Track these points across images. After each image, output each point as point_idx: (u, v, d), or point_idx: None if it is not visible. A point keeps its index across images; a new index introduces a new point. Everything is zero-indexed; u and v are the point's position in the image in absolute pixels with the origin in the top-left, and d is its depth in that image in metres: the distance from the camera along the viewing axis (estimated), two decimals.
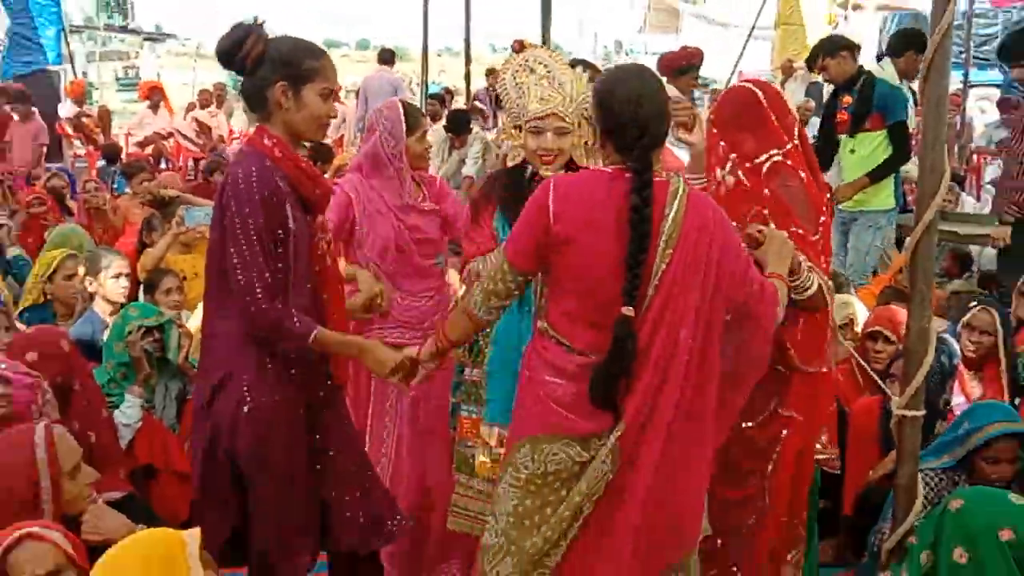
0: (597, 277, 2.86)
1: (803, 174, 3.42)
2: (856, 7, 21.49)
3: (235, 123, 15.83)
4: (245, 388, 3.14)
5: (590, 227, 2.86)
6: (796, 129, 3.52)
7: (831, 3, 20.36)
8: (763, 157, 3.46)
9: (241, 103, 16.05)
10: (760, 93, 3.56)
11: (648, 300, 2.83)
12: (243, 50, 3.11)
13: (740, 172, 3.50)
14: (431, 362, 3.24)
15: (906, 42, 7.41)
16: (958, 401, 4.76)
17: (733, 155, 3.54)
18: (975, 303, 5.23)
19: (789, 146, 3.44)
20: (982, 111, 15.78)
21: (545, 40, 7.42)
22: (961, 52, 14.11)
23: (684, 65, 7.16)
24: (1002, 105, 14.33)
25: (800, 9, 18.02)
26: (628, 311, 2.79)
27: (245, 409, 3.13)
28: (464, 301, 3.12)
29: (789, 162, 3.43)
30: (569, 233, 2.85)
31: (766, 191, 3.32)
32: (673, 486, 2.90)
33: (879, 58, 11.25)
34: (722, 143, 3.61)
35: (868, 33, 19.89)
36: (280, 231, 3.10)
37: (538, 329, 3.07)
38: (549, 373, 2.96)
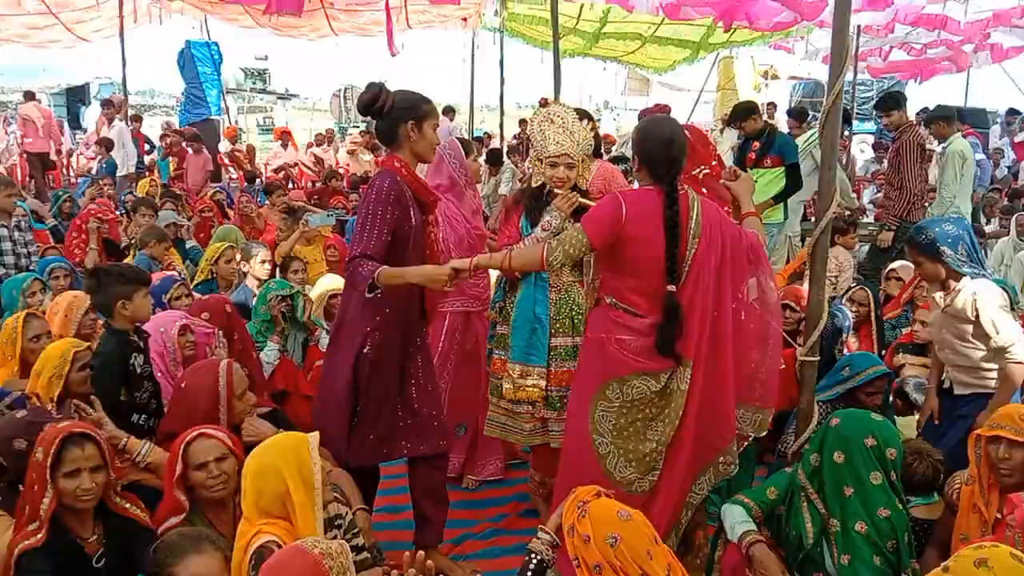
0: (650, 261, 2.99)
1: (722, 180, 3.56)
2: (774, 76, 21.27)
3: (340, 156, 15.74)
4: (368, 330, 3.19)
5: (646, 227, 2.98)
6: (715, 154, 3.70)
7: (756, 74, 20.13)
8: (696, 171, 3.58)
9: (344, 143, 16.15)
10: (691, 134, 3.62)
11: (684, 277, 2.99)
12: (380, 102, 3.16)
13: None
14: (467, 274, 3.17)
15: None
16: None
17: None
18: (855, 283, 5.24)
19: (713, 163, 3.60)
20: (862, 151, 15.63)
21: (556, 98, 7.39)
22: (848, 107, 14.02)
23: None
24: (876, 147, 14.31)
25: (735, 78, 17.84)
26: (672, 288, 2.98)
27: (367, 348, 3.18)
28: (542, 249, 3.04)
29: (712, 173, 3.58)
30: (635, 231, 2.97)
31: (704, 189, 3.39)
32: (712, 401, 3.08)
33: (789, 113, 11.22)
34: None
35: (782, 95, 19.74)
36: (405, 225, 3.16)
37: (606, 303, 3.13)
38: (624, 333, 3.07)
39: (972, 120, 14.84)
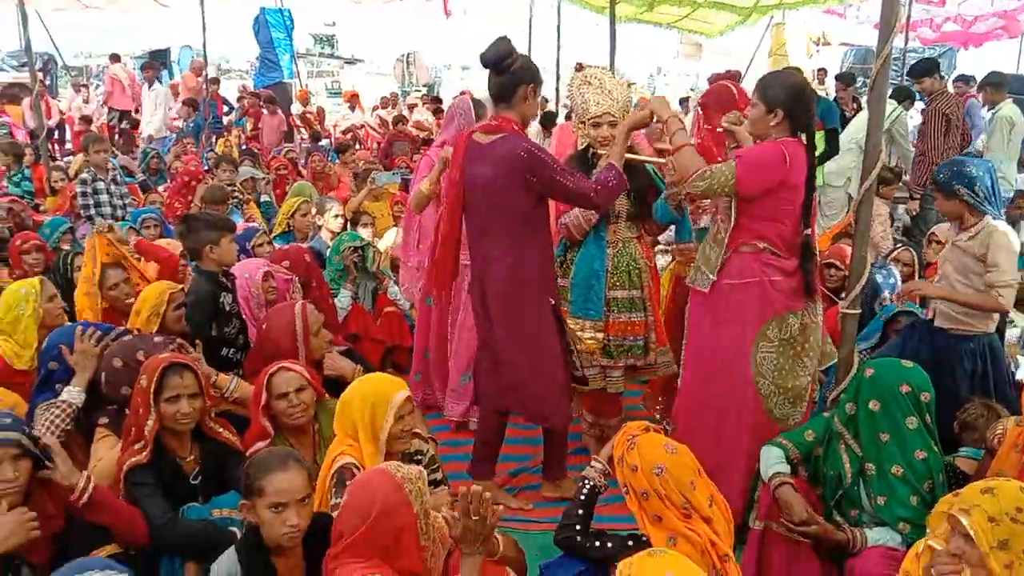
0: (798, 207, 3.12)
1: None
2: (825, 43, 20.63)
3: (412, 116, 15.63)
4: (549, 282, 3.34)
5: (799, 175, 3.09)
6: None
7: (808, 40, 19.54)
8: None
9: (405, 104, 16.17)
10: (734, 88, 3.80)
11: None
12: (510, 59, 3.13)
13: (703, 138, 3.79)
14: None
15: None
16: None
17: (707, 125, 3.83)
18: (900, 245, 5.17)
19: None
20: (910, 118, 15.11)
21: (612, 64, 7.31)
22: (897, 76, 13.55)
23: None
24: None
25: (786, 44, 17.34)
26: (807, 231, 3.18)
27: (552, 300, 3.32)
28: (695, 169, 3.05)
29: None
30: (794, 178, 3.07)
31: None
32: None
33: (837, 77, 10.94)
34: (702, 119, 3.95)
35: (833, 61, 19.16)
36: None
37: (756, 248, 3.16)
38: (777, 274, 3.17)
39: (1020, 88, 14.26)
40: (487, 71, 3.20)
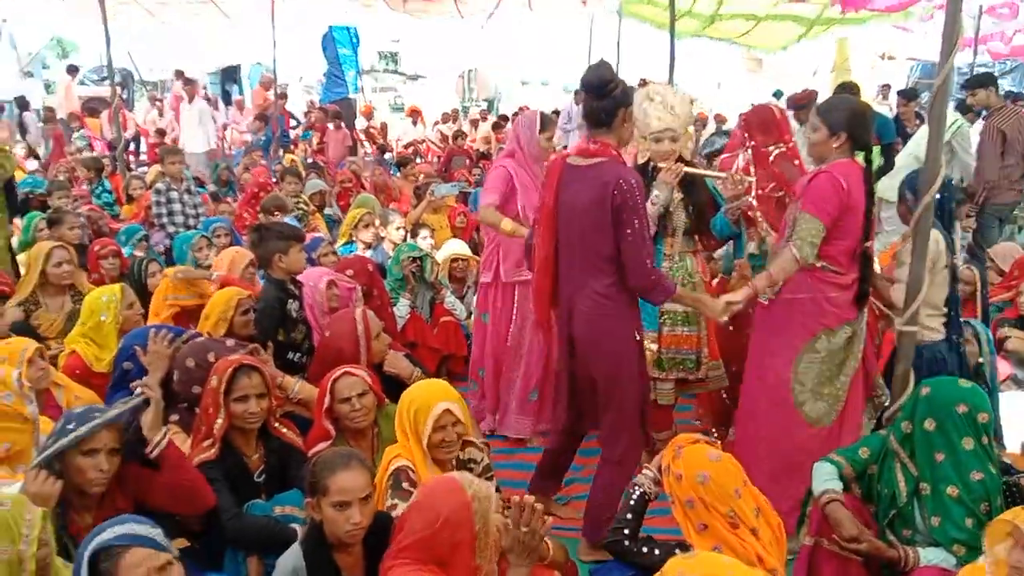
0: (859, 224, 3.21)
1: (797, 161, 3.76)
2: (890, 58, 20.21)
3: (476, 132, 15.84)
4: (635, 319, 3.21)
5: (858, 195, 3.20)
6: (790, 134, 3.91)
7: (873, 55, 19.19)
8: (772, 147, 3.83)
9: (465, 120, 16.36)
10: (777, 112, 3.94)
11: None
12: (612, 83, 3.06)
13: (750, 153, 3.92)
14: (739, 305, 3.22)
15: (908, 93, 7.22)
16: None
17: (751, 142, 3.93)
18: (963, 263, 5.08)
19: (790, 143, 3.81)
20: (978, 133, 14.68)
21: (671, 79, 7.32)
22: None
23: (805, 102, 6.86)
24: None
25: (849, 58, 17.06)
26: (868, 244, 3.28)
27: (637, 334, 3.21)
28: (791, 254, 3.12)
29: (787, 152, 3.78)
30: (854, 200, 3.18)
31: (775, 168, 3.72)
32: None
33: (899, 93, 10.72)
34: (746, 134, 4.00)
35: (899, 76, 18.77)
36: None
37: (814, 266, 3.24)
38: (833, 291, 3.29)
39: None
40: (588, 94, 3.12)
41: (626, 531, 2.55)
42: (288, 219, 6.03)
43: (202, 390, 2.92)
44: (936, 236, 3.40)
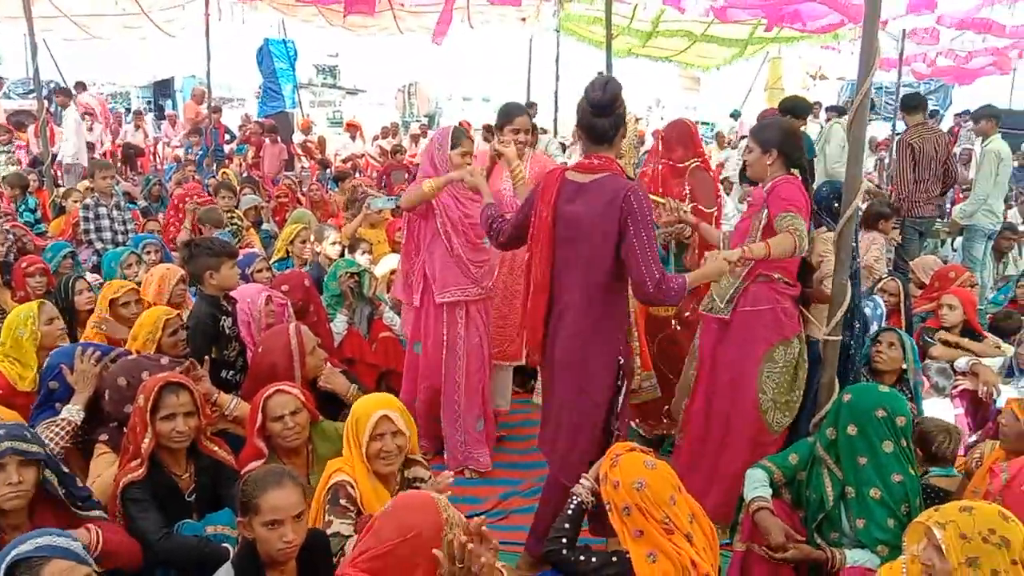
0: None
1: (710, 173, 4.07)
2: (822, 77, 20.88)
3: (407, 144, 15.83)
4: (620, 343, 3.07)
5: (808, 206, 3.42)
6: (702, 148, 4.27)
7: (804, 74, 19.79)
8: (688, 162, 4.12)
9: (406, 135, 16.35)
10: (692, 126, 4.21)
11: None
12: (617, 102, 2.97)
13: (662, 166, 4.23)
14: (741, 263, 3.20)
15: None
16: None
17: (663, 159, 4.22)
18: (887, 275, 5.28)
19: (704, 158, 4.15)
20: None
21: None
22: (894, 109, 13.79)
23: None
24: None
25: (782, 78, 17.60)
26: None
27: (622, 359, 3.07)
28: (794, 241, 3.13)
29: (702, 165, 4.06)
30: (808, 209, 3.37)
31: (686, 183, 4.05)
32: None
33: (828, 109, 11.17)
34: (661, 148, 4.29)
35: (830, 94, 19.42)
36: None
37: (772, 279, 3.44)
38: (788, 302, 3.47)
39: (1012, 123, 14.49)
40: (595, 111, 3.00)
41: (564, 540, 2.58)
42: (221, 234, 5.95)
43: (125, 402, 2.88)
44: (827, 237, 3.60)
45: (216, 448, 2.99)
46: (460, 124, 15.11)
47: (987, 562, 2.06)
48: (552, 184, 3.05)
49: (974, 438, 3.96)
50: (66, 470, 2.61)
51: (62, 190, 7.80)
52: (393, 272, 5.50)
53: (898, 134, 13.97)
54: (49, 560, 1.93)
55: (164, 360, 3.20)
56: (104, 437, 3.06)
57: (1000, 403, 3.92)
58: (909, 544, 2.30)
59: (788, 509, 3.00)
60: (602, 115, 2.97)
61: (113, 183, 6.77)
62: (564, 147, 11.57)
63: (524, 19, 12.90)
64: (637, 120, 4.05)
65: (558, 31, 12.39)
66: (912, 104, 7.47)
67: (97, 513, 2.56)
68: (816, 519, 2.94)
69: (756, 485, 2.99)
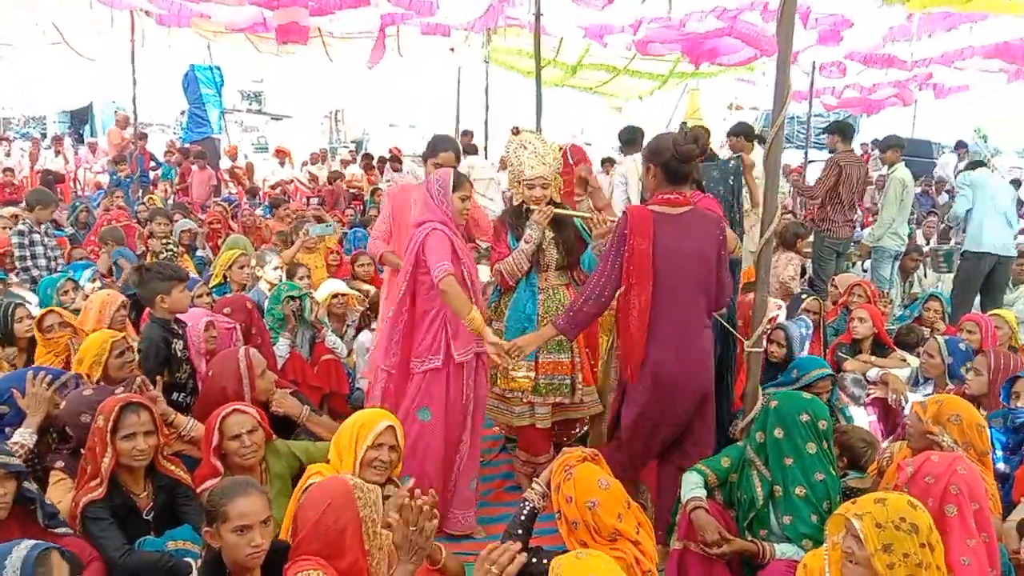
0: None
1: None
2: (738, 107, 21.75)
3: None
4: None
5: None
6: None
7: (722, 105, 20.57)
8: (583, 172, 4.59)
9: (334, 160, 16.35)
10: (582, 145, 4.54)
11: None
12: (701, 154, 3.41)
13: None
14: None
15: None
16: None
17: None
18: (805, 294, 5.64)
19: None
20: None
21: (538, 125, 7.72)
22: (804, 138, 14.60)
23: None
24: None
25: (700, 109, 18.26)
26: None
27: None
28: None
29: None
30: None
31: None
32: None
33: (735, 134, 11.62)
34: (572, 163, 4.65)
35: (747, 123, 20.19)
36: None
37: None
38: None
39: (915, 151, 15.46)
40: (682, 160, 3.34)
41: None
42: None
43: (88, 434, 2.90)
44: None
45: (173, 468, 3.05)
46: (391, 151, 15.29)
47: (900, 547, 2.28)
48: (646, 219, 3.30)
49: (886, 443, 4.28)
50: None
51: None
52: (335, 296, 5.60)
53: (811, 161, 14.82)
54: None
55: (119, 391, 3.22)
56: (60, 464, 3.08)
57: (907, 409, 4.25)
58: (831, 534, 2.53)
59: (721, 509, 3.21)
60: (687, 162, 3.34)
61: (52, 214, 6.72)
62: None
63: (452, 49, 13.17)
64: (560, 148, 4.27)
65: (487, 62, 12.67)
66: (848, 134, 7.96)
67: (64, 530, 2.60)
68: (747, 517, 3.14)
69: (692, 487, 3.20)
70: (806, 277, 8.09)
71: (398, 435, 2.99)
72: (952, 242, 8.50)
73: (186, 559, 2.72)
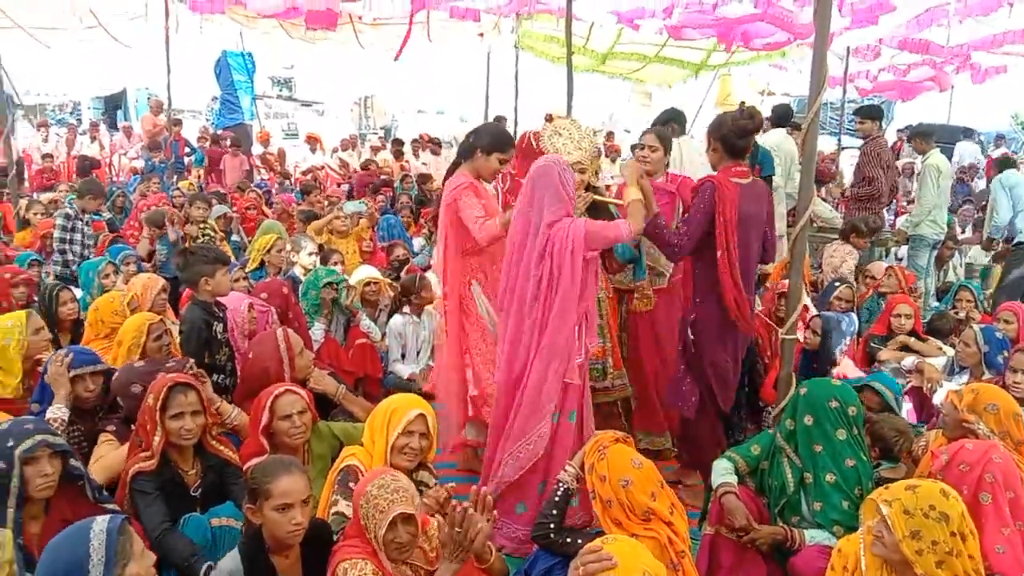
0: None
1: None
2: (770, 93, 21.51)
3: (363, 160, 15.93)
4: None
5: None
6: None
7: (752, 91, 20.37)
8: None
9: (366, 146, 16.44)
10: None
11: None
12: (758, 131, 3.83)
13: None
14: None
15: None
16: None
17: None
18: (839, 283, 5.62)
19: None
20: (851, 165, 15.87)
21: (569, 111, 7.71)
22: (838, 125, 14.43)
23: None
24: None
25: (732, 94, 18.10)
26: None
27: None
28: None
29: None
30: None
31: None
32: None
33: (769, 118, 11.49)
34: None
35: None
36: None
37: None
38: None
39: (951, 138, 15.25)
40: (742, 135, 3.74)
41: (551, 524, 2.79)
42: None
43: (138, 406, 3.01)
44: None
45: (222, 447, 3.14)
46: (420, 136, 15.32)
47: (928, 534, 2.30)
48: (732, 189, 3.66)
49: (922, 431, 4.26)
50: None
51: (24, 202, 7.78)
52: (368, 283, 5.67)
53: (844, 148, 14.64)
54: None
55: (170, 363, 3.33)
56: (111, 428, 3.22)
57: (939, 398, 4.23)
58: (865, 519, 2.56)
59: (753, 495, 3.24)
60: (744, 137, 3.70)
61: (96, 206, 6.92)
62: None
63: (482, 34, 13.17)
64: (595, 133, 4.28)
65: (517, 47, 12.64)
66: (876, 115, 7.86)
67: (112, 506, 2.70)
68: (778, 504, 3.18)
69: (722, 473, 3.24)
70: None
71: (429, 423, 3.03)
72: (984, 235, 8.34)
73: (208, 563, 2.73)
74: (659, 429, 4.51)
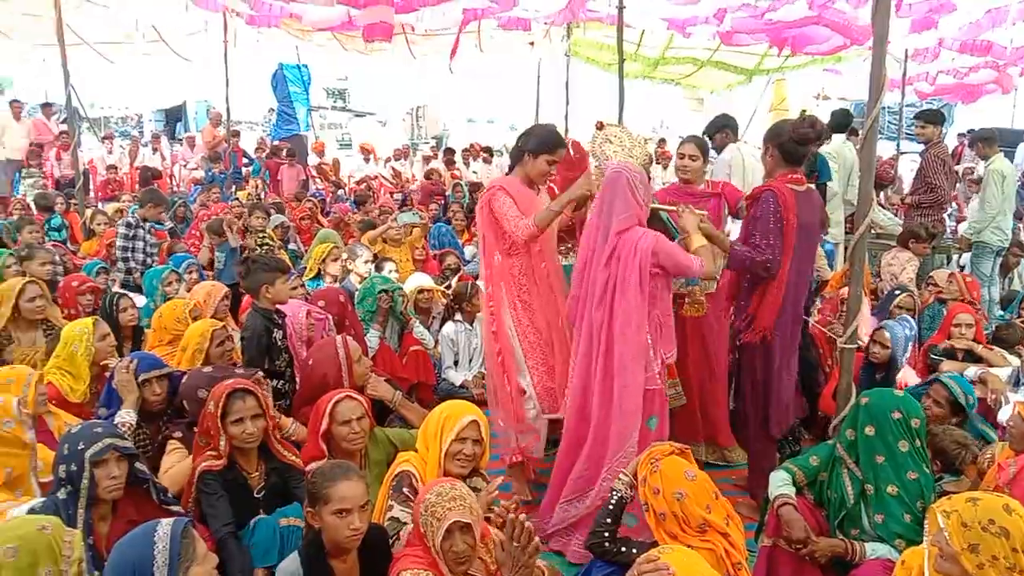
0: None
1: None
2: (825, 98, 21.15)
3: (415, 170, 16.08)
4: None
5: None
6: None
7: (809, 96, 20.05)
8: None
9: (418, 155, 16.62)
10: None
11: None
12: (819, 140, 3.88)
13: None
14: None
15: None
16: None
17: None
18: (900, 291, 5.50)
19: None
20: (911, 170, 15.55)
21: (620, 118, 7.71)
22: (896, 129, 14.12)
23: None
24: None
25: (786, 99, 17.84)
26: None
27: None
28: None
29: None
30: None
31: None
32: None
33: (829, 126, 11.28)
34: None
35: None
36: None
37: None
38: None
39: (1015, 142, 14.79)
40: (801, 143, 3.74)
41: (606, 533, 2.78)
42: None
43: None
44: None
45: (286, 452, 3.22)
46: (472, 145, 15.39)
47: (987, 549, 2.24)
48: (791, 196, 3.69)
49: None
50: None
51: (89, 212, 8.05)
52: (421, 291, 5.73)
53: (903, 152, 14.30)
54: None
55: (239, 370, 3.42)
56: (178, 435, 3.31)
57: (1004, 410, 4.10)
58: (930, 530, 2.50)
59: (811, 507, 3.19)
60: (804, 145, 3.71)
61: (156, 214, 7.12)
62: None
63: (532, 43, 13.22)
64: (647, 141, 4.25)
65: (568, 55, 12.66)
66: (938, 120, 7.69)
67: (177, 508, 2.78)
68: (838, 517, 3.11)
69: (780, 484, 3.19)
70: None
71: (482, 429, 3.05)
72: None
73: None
74: (696, 439, 4.52)
